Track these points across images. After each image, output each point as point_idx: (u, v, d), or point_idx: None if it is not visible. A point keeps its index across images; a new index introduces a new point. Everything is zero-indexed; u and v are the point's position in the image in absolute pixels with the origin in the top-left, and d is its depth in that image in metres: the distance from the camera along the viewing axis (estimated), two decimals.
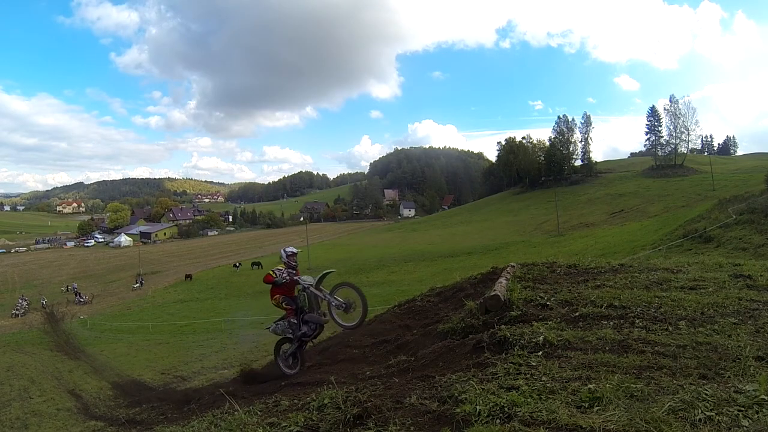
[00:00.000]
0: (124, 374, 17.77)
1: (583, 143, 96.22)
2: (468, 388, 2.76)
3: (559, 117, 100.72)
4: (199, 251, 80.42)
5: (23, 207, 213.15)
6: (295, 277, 6.15)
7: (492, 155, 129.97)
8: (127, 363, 20.66)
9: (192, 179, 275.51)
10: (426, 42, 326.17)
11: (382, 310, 7.34)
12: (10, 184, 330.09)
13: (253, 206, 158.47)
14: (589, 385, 2.61)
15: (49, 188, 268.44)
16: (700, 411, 2.21)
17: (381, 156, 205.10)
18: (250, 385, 6.31)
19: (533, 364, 3.12)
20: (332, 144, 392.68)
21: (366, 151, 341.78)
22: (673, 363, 2.94)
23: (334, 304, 5.85)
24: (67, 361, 21.65)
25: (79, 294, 46.65)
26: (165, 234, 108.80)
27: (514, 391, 2.64)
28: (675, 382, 2.62)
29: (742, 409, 2.21)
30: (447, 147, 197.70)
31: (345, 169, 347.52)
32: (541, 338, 3.52)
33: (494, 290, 4.74)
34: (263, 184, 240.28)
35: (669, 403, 2.28)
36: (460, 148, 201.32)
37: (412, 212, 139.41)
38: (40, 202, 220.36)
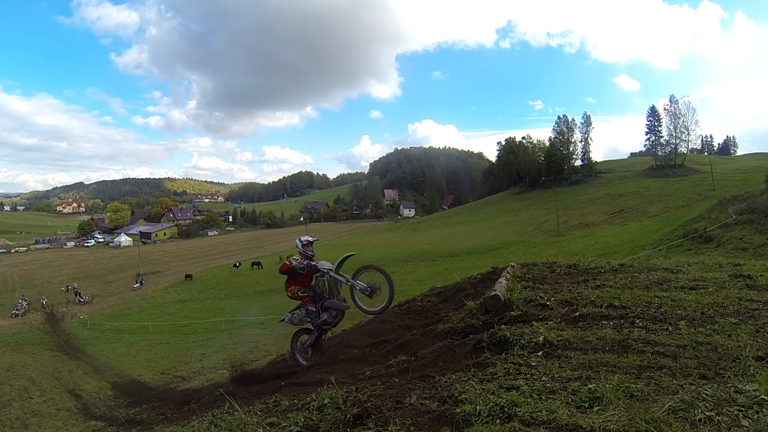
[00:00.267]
0: (124, 374, 17.74)
1: (583, 143, 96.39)
2: (468, 388, 2.76)
3: (559, 117, 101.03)
4: (199, 251, 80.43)
5: (23, 207, 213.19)
6: (313, 263, 5.85)
7: (492, 155, 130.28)
8: (127, 363, 20.66)
9: (192, 179, 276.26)
10: (426, 42, 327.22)
11: None
12: (10, 184, 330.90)
13: (253, 206, 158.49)
14: (589, 385, 2.61)
15: (49, 188, 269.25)
16: (700, 411, 2.21)
17: (381, 156, 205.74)
18: (244, 386, 6.13)
19: (533, 364, 3.12)
20: (332, 144, 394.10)
21: (366, 151, 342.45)
22: (673, 363, 2.94)
23: (358, 288, 5.53)
24: (67, 361, 21.64)
25: (79, 294, 46.66)
26: (165, 234, 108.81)
27: (514, 391, 2.64)
28: (675, 382, 2.62)
29: (742, 409, 2.21)
30: (447, 147, 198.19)
31: (345, 169, 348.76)
32: (541, 338, 3.51)
33: (494, 290, 4.74)
34: (263, 184, 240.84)
35: (669, 403, 2.28)
36: (460, 148, 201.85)
37: (412, 212, 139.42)
38: (40, 202, 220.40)
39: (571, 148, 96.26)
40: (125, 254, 79.32)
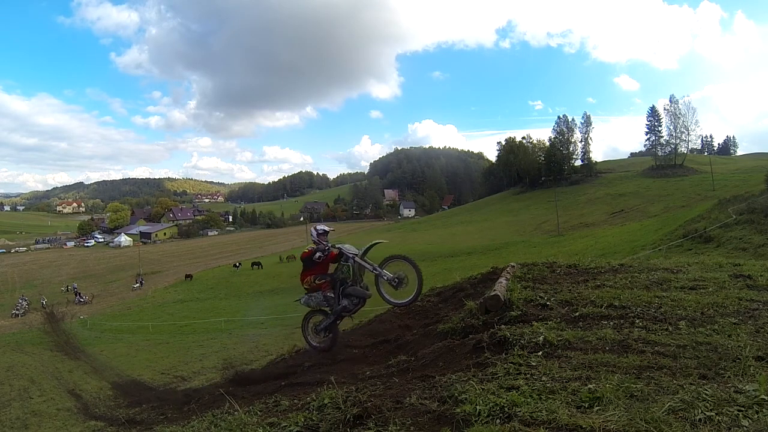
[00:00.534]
0: (124, 374, 17.78)
1: (583, 143, 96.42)
2: (468, 388, 2.76)
3: (559, 117, 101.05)
4: (199, 251, 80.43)
5: (23, 207, 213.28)
6: (338, 245, 5.62)
7: (492, 155, 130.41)
8: (127, 363, 20.67)
9: (192, 179, 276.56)
10: (426, 42, 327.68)
11: (382, 310, 7.34)
12: (10, 184, 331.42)
13: (253, 206, 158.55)
14: (589, 385, 2.61)
15: (49, 188, 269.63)
16: (700, 411, 2.21)
17: (381, 156, 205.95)
18: (243, 386, 6.04)
19: (533, 364, 3.11)
20: (332, 144, 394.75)
21: (366, 151, 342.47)
22: (673, 363, 2.94)
23: (385, 278, 5.31)
24: (67, 361, 21.66)
25: (79, 294, 46.67)
26: (165, 234, 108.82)
27: (514, 391, 2.64)
28: (675, 382, 2.61)
29: (742, 409, 2.21)
30: (447, 147, 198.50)
31: (345, 169, 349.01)
32: (541, 338, 3.51)
33: (494, 290, 4.73)
34: (263, 184, 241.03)
35: (669, 403, 2.28)
36: (460, 148, 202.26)
37: (412, 212, 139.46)
38: (40, 202, 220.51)
39: (571, 148, 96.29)
40: (125, 254, 79.29)
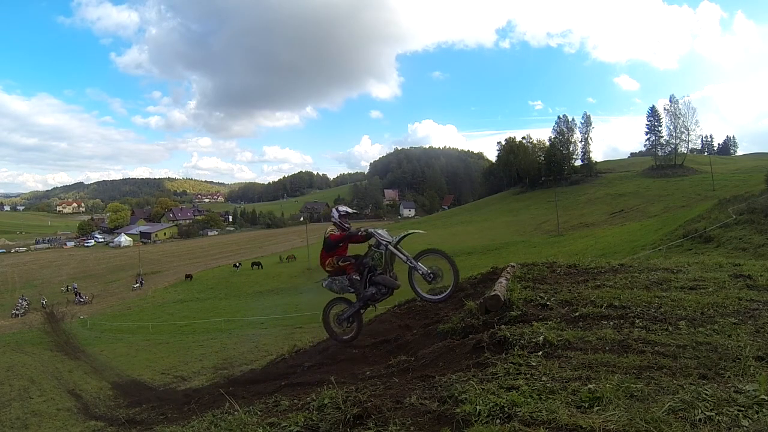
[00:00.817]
0: (124, 374, 17.81)
1: (583, 143, 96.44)
2: (468, 388, 2.76)
3: (559, 117, 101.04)
4: (199, 251, 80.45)
5: (23, 207, 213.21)
6: (371, 230, 5.37)
7: (492, 155, 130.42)
8: (127, 363, 20.67)
9: (192, 179, 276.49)
10: (426, 42, 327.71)
11: (383, 310, 7.33)
12: (10, 184, 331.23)
13: (253, 206, 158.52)
14: (589, 385, 2.61)
15: (49, 188, 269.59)
16: (700, 411, 2.20)
17: (381, 156, 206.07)
18: (243, 386, 6.03)
19: (533, 364, 3.11)
20: (332, 144, 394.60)
21: (366, 151, 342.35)
22: (673, 363, 2.94)
23: (420, 271, 5.11)
24: (67, 361, 21.69)
25: (79, 294, 46.70)
26: (165, 234, 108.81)
27: (514, 391, 2.64)
28: (675, 382, 2.61)
29: (742, 409, 2.21)
30: (447, 147, 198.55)
31: (345, 169, 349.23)
32: (541, 338, 3.51)
33: (494, 290, 4.73)
34: (263, 184, 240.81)
35: (669, 403, 2.28)
36: (460, 148, 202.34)
37: (412, 212, 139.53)
38: (40, 202, 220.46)
39: (571, 148, 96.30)
40: (125, 254, 79.32)
